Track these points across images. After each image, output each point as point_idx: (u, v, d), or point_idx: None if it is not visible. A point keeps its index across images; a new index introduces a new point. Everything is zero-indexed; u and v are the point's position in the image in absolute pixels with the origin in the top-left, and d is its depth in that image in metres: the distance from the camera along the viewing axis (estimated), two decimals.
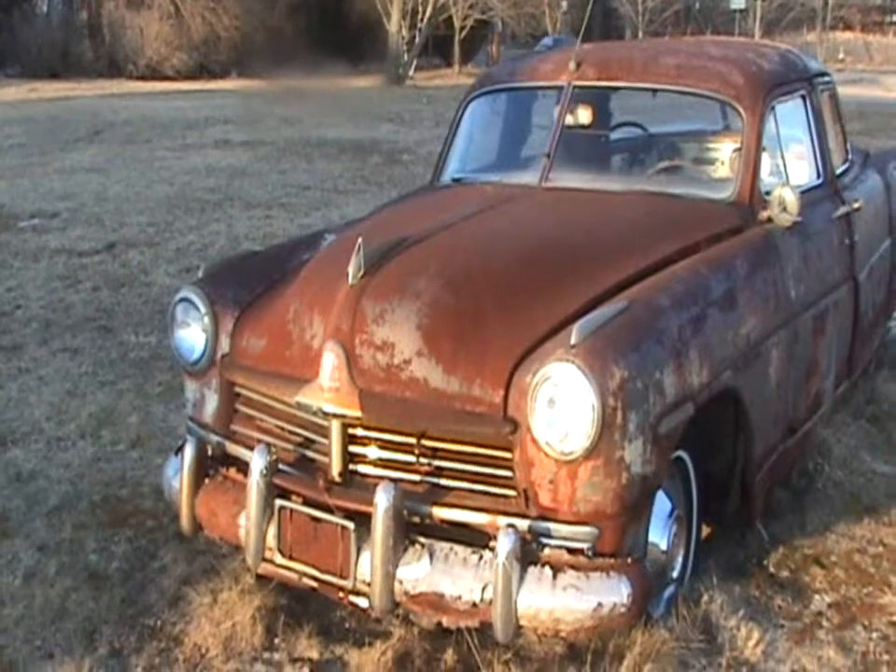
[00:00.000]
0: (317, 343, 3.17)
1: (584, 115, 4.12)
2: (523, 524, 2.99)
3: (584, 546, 2.97)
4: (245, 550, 3.29)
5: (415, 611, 3.12)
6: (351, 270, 3.13)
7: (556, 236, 3.49)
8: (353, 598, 3.13)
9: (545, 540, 2.99)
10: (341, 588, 3.14)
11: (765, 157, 4.05)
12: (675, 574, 3.51)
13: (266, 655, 3.40)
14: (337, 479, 3.19)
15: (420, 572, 3.02)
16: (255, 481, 3.22)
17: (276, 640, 3.45)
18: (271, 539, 3.25)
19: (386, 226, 3.64)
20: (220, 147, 13.81)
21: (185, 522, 3.52)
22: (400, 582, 3.03)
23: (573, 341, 2.90)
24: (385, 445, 3.16)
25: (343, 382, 3.12)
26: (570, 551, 2.97)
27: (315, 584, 3.21)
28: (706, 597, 3.51)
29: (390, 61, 26.05)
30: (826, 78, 4.72)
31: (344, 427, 3.16)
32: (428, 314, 3.08)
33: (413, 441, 3.11)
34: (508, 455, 3.01)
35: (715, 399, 3.38)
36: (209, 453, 3.58)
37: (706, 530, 4.00)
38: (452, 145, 4.54)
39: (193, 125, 15.99)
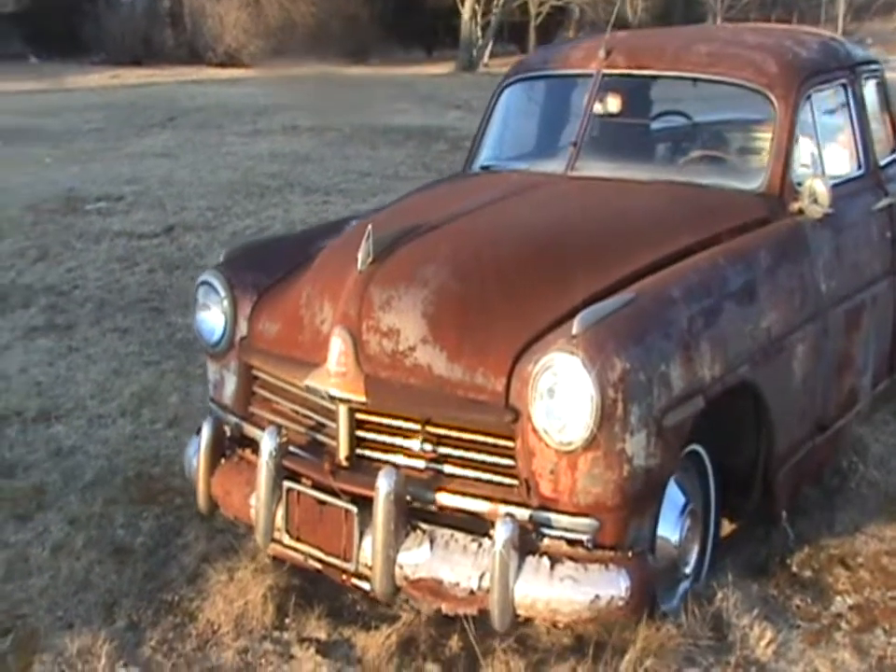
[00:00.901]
0: (326, 329, 3.20)
1: (614, 103, 4.08)
2: (523, 513, 2.99)
3: (584, 537, 2.95)
4: (256, 530, 3.34)
5: (415, 597, 3.14)
6: (360, 256, 3.15)
7: (572, 225, 3.46)
8: (355, 581, 3.16)
9: (546, 531, 2.98)
10: (344, 571, 3.17)
11: (800, 147, 3.96)
12: (689, 569, 3.48)
13: (276, 634, 3.45)
14: (344, 463, 3.22)
15: (420, 558, 3.04)
16: (264, 462, 3.26)
17: (287, 620, 3.50)
18: (279, 521, 3.29)
19: (405, 213, 3.66)
20: (287, 133, 13.93)
21: (201, 500, 3.59)
22: (401, 567, 3.05)
23: (575, 331, 2.89)
24: (390, 431, 3.18)
25: (349, 367, 3.14)
26: (570, 542, 2.96)
27: (319, 566, 3.24)
28: (720, 594, 3.45)
29: (463, 48, 25.94)
30: (873, 66, 4.60)
31: (351, 411, 3.19)
32: (434, 301, 3.09)
33: (417, 427, 3.13)
34: (510, 443, 3.00)
35: (730, 393, 3.33)
36: (227, 433, 3.64)
37: (729, 527, 3.97)
38: (485, 132, 4.53)
39: (263, 111, 16.14)
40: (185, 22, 27.66)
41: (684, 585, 3.49)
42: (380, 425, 3.19)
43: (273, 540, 3.32)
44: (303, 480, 3.27)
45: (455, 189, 4.08)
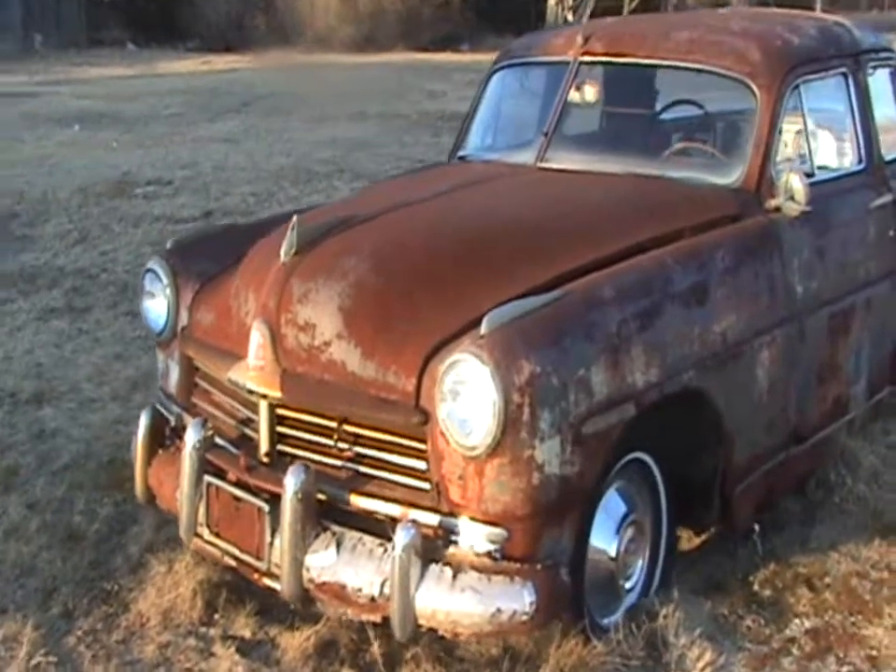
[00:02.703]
0: (249, 321, 3.11)
1: (590, 92, 3.90)
2: (433, 519, 2.86)
3: (492, 547, 2.81)
4: (179, 524, 3.28)
5: (321, 601, 3.03)
6: (283, 248, 3.06)
7: (515, 220, 3.30)
8: (267, 581, 3.08)
9: (454, 538, 2.85)
10: (256, 570, 3.09)
11: (785, 141, 3.74)
12: (631, 583, 3.31)
13: (201, 630, 3.38)
14: (264, 459, 3.14)
15: (327, 561, 2.93)
16: (188, 453, 3.20)
17: (216, 616, 3.43)
18: (201, 515, 3.22)
19: (349, 204, 3.57)
20: (354, 120, 13.91)
21: (138, 490, 3.55)
22: (307, 569, 2.95)
23: (482, 331, 2.75)
24: (309, 428, 3.09)
25: (267, 361, 3.05)
26: (476, 551, 2.82)
27: (234, 564, 3.17)
28: (665, 611, 3.26)
29: None
30: (884, 55, 4.31)
31: (272, 407, 3.10)
32: (351, 295, 2.97)
33: (334, 425, 3.02)
34: (422, 446, 2.88)
35: (675, 401, 3.15)
36: (172, 423, 3.59)
37: (696, 540, 3.78)
38: (471, 121, 4.39)
39: (337, 97, 16.15)
40: (276, 8, 27.93)
41: (630, 599, 3.33)
42: (299, 421, 3.10)
43: (196, 535, 3.25)
44: (229, 475, 3.20)
45: (414, 180, 3.97)
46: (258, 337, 3.04)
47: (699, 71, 3.76)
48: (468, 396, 2.72)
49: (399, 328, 2.92)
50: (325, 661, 3.19)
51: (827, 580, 3.60)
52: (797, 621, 3.42)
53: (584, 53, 3.94)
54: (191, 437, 3.18)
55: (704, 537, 3.78)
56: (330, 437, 3.03)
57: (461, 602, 2.77)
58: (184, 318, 3.51)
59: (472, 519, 2.81)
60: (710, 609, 3.41)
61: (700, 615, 3.35)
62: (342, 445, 3.02)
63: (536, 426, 2.73)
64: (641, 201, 3.49)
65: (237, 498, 3.10)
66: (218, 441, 3.31)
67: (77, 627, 3.42)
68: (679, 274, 3.17)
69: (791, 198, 3.52)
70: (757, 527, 3.69)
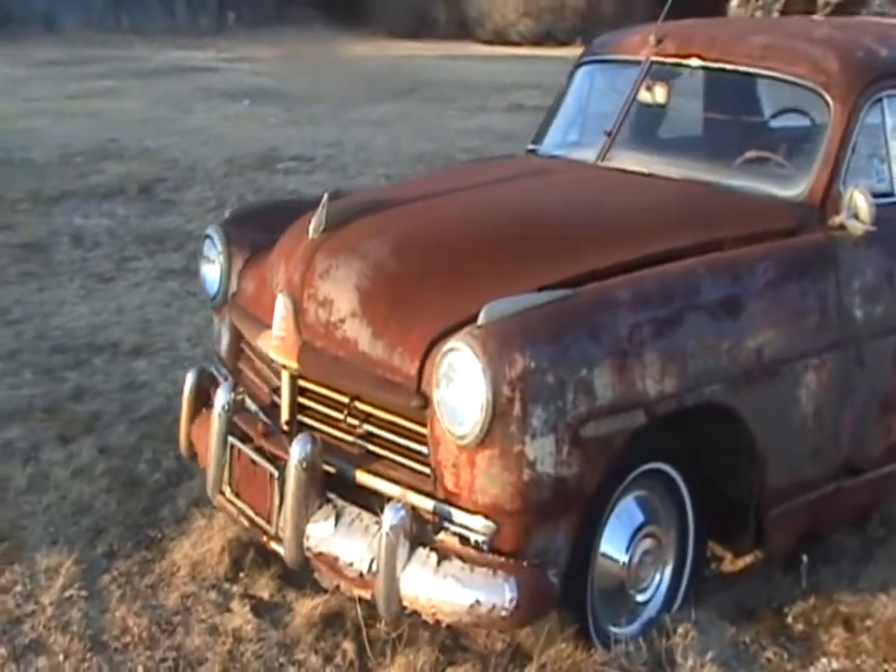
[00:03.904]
0: (277, 292, 3.21)
1: (661, 93, 3.82)
2: (428, 504, 2.90)
3: (480, 538, 2.82)
4: (207, 480, 3.43)
5: (319, 570, 3.11)
6: (312, 224, 3.15)
7: (550, 215, 3.29)
8: (273, 545, 3.18)
9: (446, 525, 2.88)
10: (265, 532, 3.19)
11: (862, 156, 3.58)
12: (646, 596, 3.26)
13: (225, 585, 3.53)
14: (285, 427, 3.24)
15: (325, 531, 3.01)
16: (216, 415, 3.34)
17: (241, 574, 3.57)
18: (226, 474, 3.36)
19: (393, 189, 3.62)
20: (510, 111, 13.94)
21: (182, 446, 3.72)
22: (308, 538, 3.04)
23: (480, 321, 2.76)
24: (324, 401, 3.17)
25: (289, 332, 3.15)
26: (465, 540, 2.84)
27: (247, 524, 3.28)
28: (682, 629, 3.20)
29: None
30: None
31: (293, 377, 3.20)
32: (369, 275, 3.03)
33: (346, 401, 3.09)
34: (424, 430, 2.91)
35: (695, 414, 3.09)
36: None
37: (739, 562, 3.68)
38: (552, 115, 4.37)
39: (501, 89, 16.22)
40: None
41: (648, 613, 3.28)
42: (317, 394, 3.18)
43: (220, 493, 3.39)
44: (251, 439, 3.32)
45: (467, 170, 4.01)
46: (281, 309, 3.14)
47: (770, 78, 3.64)
48: (459, 384, 2.74)
49: (410, 311, 2.96)
50: (329, 630, 3.28)
51: (868, 622, 3.42)
52: (824, 660, 3.27)
53: (656, 53, 3.87)
54: (220, 399, 3.32)
55: (748, 560, 3.68)
56: (342, 412, 3.10)
57: (443, 589, 2.80)
58: (234, 285, 3.65)
59: (463, 508, 2.83)
60: (733, 635, 3.29)
61: (720, 640, 3.24)
62: (352, 421, 3.09)
63: (527, 421, 2.72)
64: (688, 207, 3.42)
65: (254, 462, 3.21)
66: (251, 405, 3.44)
67: (115, 568, 3.62)
68: (709, 284, 3.09)
69: (856, 216, 3.37)
70: (805, 558, 3.56)
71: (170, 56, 20.85)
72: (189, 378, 3.64)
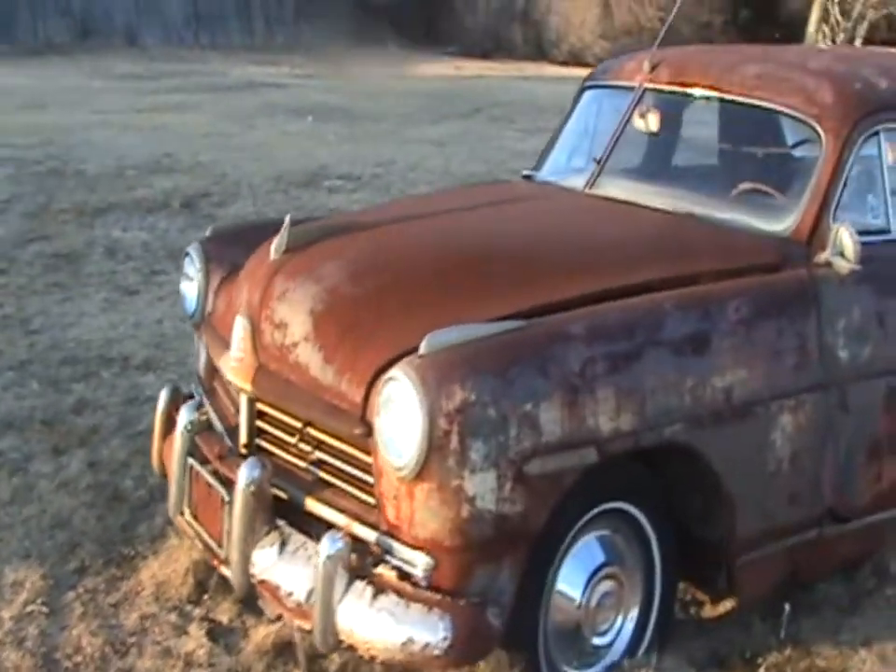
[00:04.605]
0: (237, 313, 3.19)
1: (654, 121, 3.72)
2: (371, 535, 2.84)
3: (419, 574, 2.75)
4: (168, 500, 3.41)
5: (263, 597, 3.06)
6: (273, 246, 3.12)
7: (519, 243, 3.21)
8: (223, 569, 3.14)
9: (388, 558, 2.81)
10: (216, 556, 3.16)
11: (855, 192, 3.44)
12: (605, 640, 3.15)
13: (187, 608, 3.50)
14: (243, 450, 3.20)
15: (270, 558, 2.97)
16: (178, 434, 3.32)
17: (205, 596, 3.54)
18: (186, 495, 3.33)
19: (365, 212, 3.57)
20: None
21: (154, 463, 3.70)
22: (253, 564, 2.99)
23: (421, 351, 2.69)
24: (279, 426, 3.12)
25: (246, 354, 3.12)
26: (403, 575, 2.77)
27: (202, 547, 3.25)
28: None
29: None
30: None
31: (251, 400, 3.16)
32: (323, 299, 2.99)
33: (300, 426, 3.05)
34: (370, 459, 2.85)
35: (655, 454, 2.98)
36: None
37: (720, 608, 3.54)
38: (554, 140, 4.29)
39: (566, 110, 16.15)
40: (534, 19, 28.25)
41: (610, 657, 3.17)
42: (274, 418, 3.14)
43: (181, 514, 3.37)
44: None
45: (449, 195, 3.94)
46: (239, 330, 3.12)
47: (762, 108, 3.51)
48: (397, 415, 2.68)
49: (360, 337, 2.91)
50: (280, 659, 3.22)
51: None
52: None
53: (650, 80, 3.78)
54: (182, 419, 3.30)
55: (728, 605, 3.54)
56: (295, 437, 3.06)
57: (376, 624, 2.73)
58: (210, 304, 3.63)
59: (404, 542, 2.76)
60: None
61: None
62: (304, 447, 3.05)
63: (466, 455, 2.64)
64: (664, 239, 3.31)
65: (209, 485, 3.18)
66: (218, 426, 3.41)
67: (83, 585, 3.61)
68: (675, 320, 2.98)
69: (841, 254, 3.23)
70: (787, 606, 3.43)
71: (244, 71, 21.19)
72: (163, 396, 3.63)
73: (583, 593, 3.04)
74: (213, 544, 3.17)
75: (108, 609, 3.49)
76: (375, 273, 3.04)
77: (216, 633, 3.37)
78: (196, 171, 10.22)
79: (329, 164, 10.74)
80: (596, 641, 3.13)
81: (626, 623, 3.19)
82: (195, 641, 3.32)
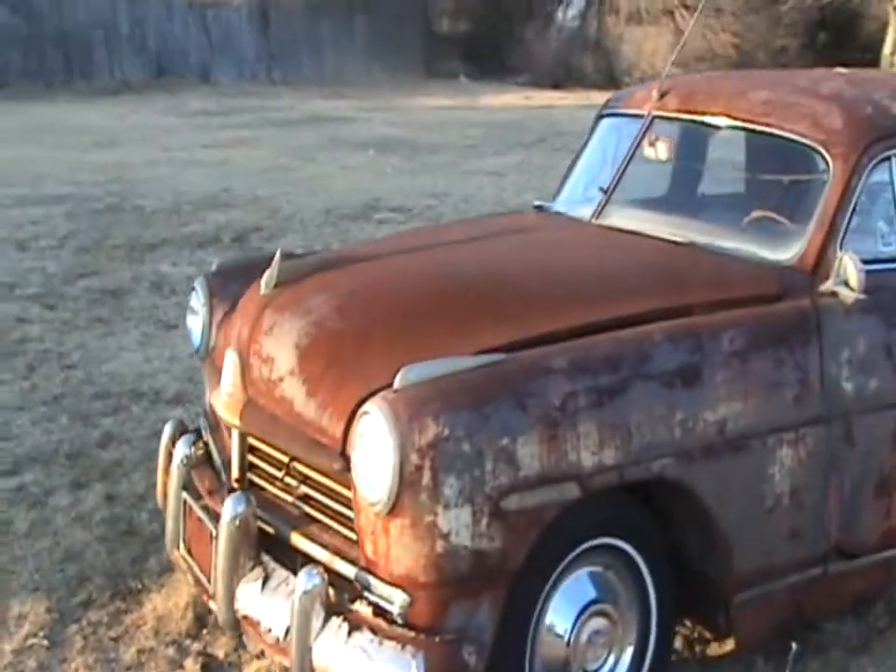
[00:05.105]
0: (227, 348, 3.20)
1: (663, 149, 3.67)
2: (350, 570, 2.81)
3: (394, 610, 2.71)
4: (166, 535, 3.42)
5: (246, 633, 3.04)
6: (264, 280, 3.13)
7: (510, 277, 3.16)
8: (211, 604, 3.13)
9: (365, 594, 2.78)
10: (206, 591, 3.15)
11: (865, 219, 3.33)
12: None
13: (185, 642, 3.49)
14: (234, 485, 3.21)
15: (253, 594, 2.95)
16: (174, 468, 3.33)
17: (204, 631, 3.54)
18: (181, 529, 3.34)
19: (362, 246, 3.55)
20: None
21: (158, 498, 3.72)
22: (237, 599, 2.98)
23: (395, 385, 2.66)
24: (268, 460, 3.12)
25: (236, 389, 3.13)
26: (378, 611, 2.73)
27: (193, 582, 3.25)
28: None
29: None
30: None
31: (242, 434, 3.17)
32: (309, 333, 2.98)
33: (287, 461, 3.04)
34: (350, 494, 2.83)
35: (644, 489, 2.91)
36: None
37: (725, 646, 3.43)
38: (571, 170, 4.25)
39: None
40: (605, 48, 28.25)
41: None
42: (263, 452, 3.14)
43: (177, 548, 3.37)
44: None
45: (452, 227, 3.91)
46: (230, 364, 3.13)
47: (770, 135, 3.43)
48: (370, 449, 2.65)
49: (343, 371, 2.89)
50: None
51: None
52: None
53: (659, 108, 3.72)
54: (179, 453, 3.32)
55: (733, 644, 3.43)
56: (282, 472, 3.05)
57: (350, 661, 2.69)
58: (213, 338, 3.65)
59: (380, 578, 2.73)
60: None
61: None
62: (290, 482, 3.04)
63: (439, 491, 2.60)
64: (661, 270, 3.24)
65: (200, 519, 3.18)
66: (217, 460, 3.42)
67: (86, 618, 3.62)
68: (664, 352, 2.90)
69: (845, 283, 3.13)
70: (794, 645, 3.31)
71: (312, 106, 21.54)
72: (167, 430, 3.65)
73: (572, 629, 2.96)
74: (203, 579, 3.18)
75: (108, 643, 3.50)
76: (361, 306, 3.04)
77: (210, 667, 3.36)
78: (251, 205, 10.38)
79: (382, 197, 10.82)
80: None
81: (621, 661, 3.10)
82: None
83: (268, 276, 3.13)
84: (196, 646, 3.47)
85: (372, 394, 2.77)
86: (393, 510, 2.63)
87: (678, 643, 3.49)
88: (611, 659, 3.08)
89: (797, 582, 3.21)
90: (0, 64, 21.39)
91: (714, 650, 3.45)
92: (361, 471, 2.68)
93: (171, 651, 3.45)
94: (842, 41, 26.53)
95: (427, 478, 2.60)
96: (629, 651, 3.10)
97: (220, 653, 3.42)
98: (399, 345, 2.90)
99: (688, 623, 3.50)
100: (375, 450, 2.63)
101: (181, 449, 3.32)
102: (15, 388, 5.51)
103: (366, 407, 2.68)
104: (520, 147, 16.03)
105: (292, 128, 17.73)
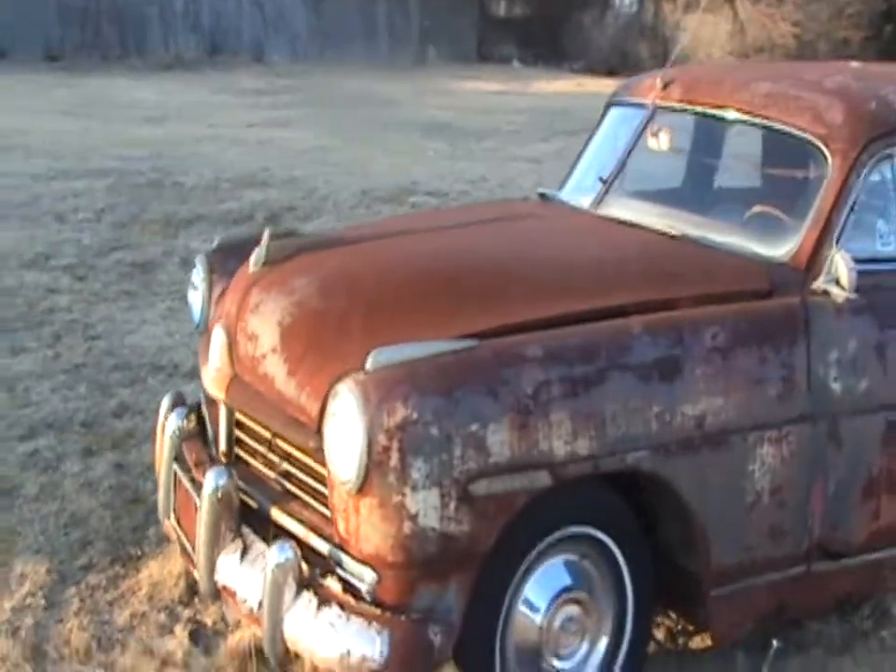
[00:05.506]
0: (216, 324, 3.27)
1: (665, 140, 3.66)
2: (324, 547, 2.87)
3: (362, 587, 2.76)
4: (158, 505, 3.50)
5: (226, 603, 3.12)
6: (252, 258, 3.18)
7: (495, 264, 3.18)
8: (195, 573, 3.21)
9: (337, 570, 2.83)
10: (192, 560, 3.23)
11: (864, 217, 3.31)
12: (567, 665, 3.09)
13: (178, 609, 3.60)
14: (221, 459, 3.28)
15: (231, 565, 3.02)
16: (166, 439, 3.41)
17: (196, 599, 3.62)
18: (172, 499, 3.42)
19: (355, 228, 3.60)
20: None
21: (156, 470, 3.79)
22: (217, 570, 3.05)
23: (367, 367, 2.71)
24: (253, 436, 3.18)
25: (223, 364, 3.20)
26: (348, 588, 2.79)
27: (181, 551, 3.33)
28: None
29: None
30: None
31: (229, 409, 3.23)
32: (292, 312, 3.04)
33: (269, 436, 3.10)
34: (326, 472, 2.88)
35: (620, 480, 2.93)
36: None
37: (707, 640, 3.45)
38: (578, 158, 4.26)
39: None
40: (661, 36, 27.96)
41: None
42: (249, 428, 3.20)
43: (167, 518, 3.45)
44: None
45: (448, 212, 3.94)
46: (217, 340, 3.19)
47: (770, 128, 3.41)
48: (341, 429, 2.70)
49: (323, 351, 2.94)
50: (252, 662, 3.28)
51: None
52: None
53: (662, 97, 3.71)
54: (171, 425, 3.39)
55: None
56: (266, 448, 3.11)
57: (319, 635, 2.76)
58: (212, 314, 3.72)
59: (350, 555, 2.78)
60: None
61: None
62: (273, 458, 3.10)
63: (406, 473, 2.64)
64: (649, 262, 3.24)
65: (187, 491, 3.26)
66: (211, 433, 3.49)
67: (86, 581, 3.74)
68: (643, 344, 2.91)
69: (836, 282, 3.12)
70: (776, 643, 3.32)
71: (363, 87, 21.54)
72: (165, 402, 3.72)
73: (545, 614, 3.00)
74: (190, 549, 3.25)
75: (104, 606, 3.61)
76: (344, 288, 3.08)
77: (198, 634, 3.46)
78: (288, 185, 10.44)
79: (420, 180, 10.83)
80: (557, 664, 3.07)
81: (595, 650, 3.13)
82: (177, 641, 3.41)
83: (256, 255, 3.19)
84: (187, 613, 3.57)
85: (346, 375, 2.82)
86: (362, 489, 2.68)
87: (661, 634, 3.52)
88: (585, 647, 3.11)
89: (778, 580, 3.22)
90: (56, 37, 21.69)
91: (697, 643, 3.48)
92: (332, 450, 2.74)
93: (162, 616, 3.54)
94: None
95: (394, 459, 2.64)
96: (604, 640, 3.13)
97: (209, 621, 3.52)
98: (377, 328, 2.94)
99: (673, 615, 3.54)
100: (345, 430, 2.68)
101: (173, 421, 3.40)
102: (39, 356, 5.64)
103: (337, 387, 2.72)
104: (564, 133, 15.89)
105: (340, 109, 17.76)
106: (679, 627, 3.52)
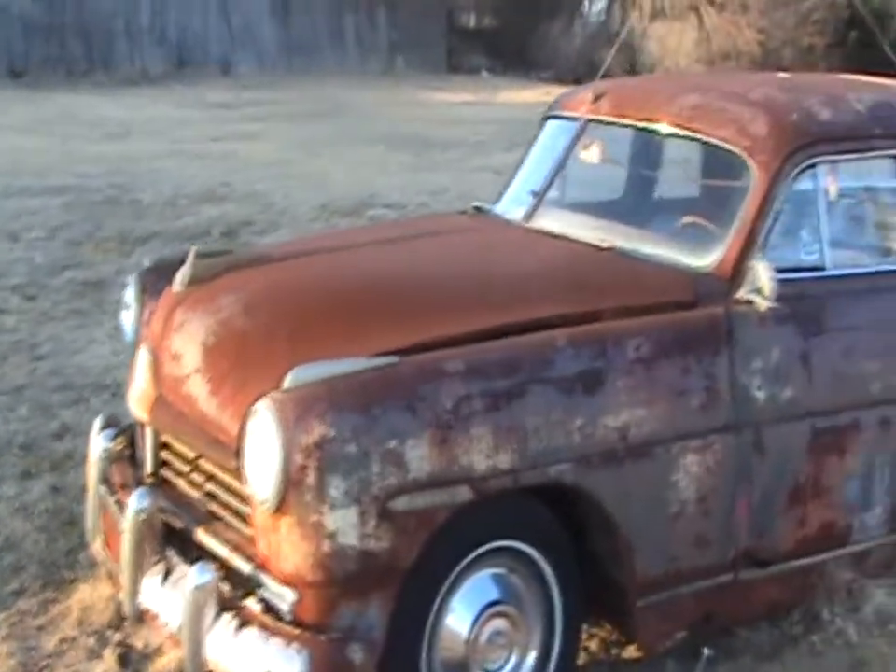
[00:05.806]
0: (141, 344, 3.25)
1: (595, 153, 3.67)
2: (246, 567, 2.84)
3: (282, 607, 2.74)
4: (86, 528, 3.47)
5: (150, 625, 3.09)
6: (178, 278, 3.16)
7: (419, 279, 3.19)
8: (121, 596, 3.18)
9: (257, 590, 2.81)
10: (117, 584, 3.20)
11: (788, 228, 3.32)
12: None
13: (108, 633, 3.54)
14: (147, 480, 3.25)
15: (154, 587, 3.00)
16: (92, 463, 3.38)
17: (125, 622, 3.56)
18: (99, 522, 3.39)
19: (283, 247, 3.59)
20: None
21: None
22: (140, 592, 3.02)
23: (285, 385, 2.70)
24: (178, 456, 3.16)
25: (147, 385, 3.18)
26: (268, 608, 2.77)
27: (108, 575, 3.30)
28: None
29: None
30: None
31: (154, 430, 3.21)
32: (215, 331, 3.03)
33: (192, 457, 3.08)
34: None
35: (541, 493, 2.92)
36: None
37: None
38: (515, 171, 4.27)
39: None
40: (628, 45, 28.11)
41: None
42: (174, 448, 3.18)
43: (94, 541, 3.42)
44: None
45: (379, 228, 3.93)
46: (142, 360, 3.17)
47: (696, 140, 3.43)
48: (259, 448, 2.69)
49: (246, 370, 2.93)
50: None
51: None
52: None
53: (592, 111, 3.72)
54: (97, 447, 3.36)
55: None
56: (190, 468, 3.09)
57: (239, 656, 2.73)
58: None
59: (271, 575, 2.76)
60: None
61: None
62: (196, 479, 3.07)
63: (324, 491, 2.63)
64: (573, 274, 3.25)
65: (112, 513, 3.23)
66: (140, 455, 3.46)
67: (17, 606, 3.68)
68: (565, 357, 2.91)
69: (758, 291, 3.13)
70: (706, 650, 3.32)
71: (332, 99, 21.53)
72: (96, 424, 3.69)
73: (471, 629, 2.98)
74: (115, 571, 3.22)
75: (32, 632, 3.55)
76: (268, 307, 3.07)
77: (127, 658, 3.40)
78: (247, 200, 10.40)
79: (379, 193, 10.82)
80: None
81: (524, 663, 3.11)
82: (105, 666, 3.37)
83: (182, 274, 3.17)
84: (117, 636, 3.51)
85: (266, 393, 2.80)
86: (280, 508, 2.66)
87: (594, 645, 3.51)
88: (513, 660, 3.09)
89: (706, 589, 3.22)
90: (20, 52, 21.58)
91: (629, 653, 3.46)
92: (251, 469, 2.72)
93: (91, 641, 3.50)
94: (873, 40, 26.24)
95: (311, 478, 2.63)
96: (532, 653, 3.12)
97: (139, 644, 3.47)
98: (299, 347, 2.93)
99: (607, 626, 3.53)
100: (263, 449, 2.67)
101: (100, 443, 3.37)
102: None
103: (255, 406, 2.71)
104: (528, 143, 15.97)
105: (306, 121, 17.74)
106: (613, 638, 3.51)
